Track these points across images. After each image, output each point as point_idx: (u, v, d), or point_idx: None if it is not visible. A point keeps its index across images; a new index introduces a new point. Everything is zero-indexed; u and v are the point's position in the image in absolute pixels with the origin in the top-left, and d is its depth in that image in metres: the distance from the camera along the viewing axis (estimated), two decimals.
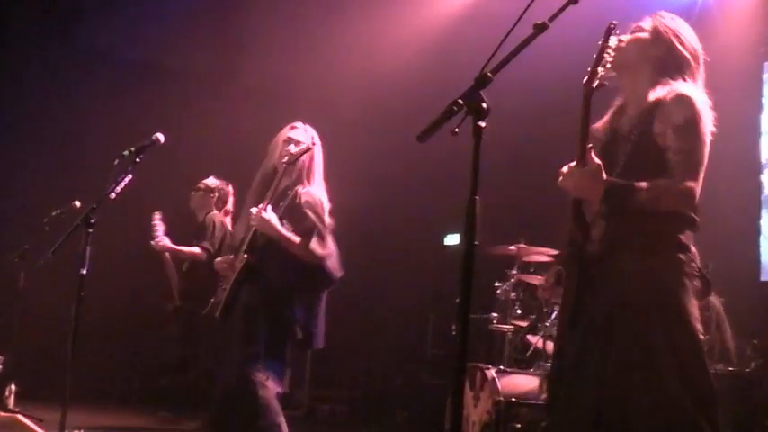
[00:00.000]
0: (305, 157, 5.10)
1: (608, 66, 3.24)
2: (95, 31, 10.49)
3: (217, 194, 8.05)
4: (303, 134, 5.21)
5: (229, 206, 8.14)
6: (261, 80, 10.65)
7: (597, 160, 3.18)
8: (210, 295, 6.64)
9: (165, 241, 7.76)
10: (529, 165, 9.52)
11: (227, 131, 10.13)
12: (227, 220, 8.02)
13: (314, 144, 5.11)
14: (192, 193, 8.10)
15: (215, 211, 8.01)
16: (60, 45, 10.30)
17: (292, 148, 5.09)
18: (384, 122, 9.98)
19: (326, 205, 5.13)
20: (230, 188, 8.13)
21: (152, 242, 7.73)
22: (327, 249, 5.01)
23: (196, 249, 7.73)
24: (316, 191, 5.16)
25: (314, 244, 4.95)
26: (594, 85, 3.23)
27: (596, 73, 3.23)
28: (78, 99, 10.04)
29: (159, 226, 7.83)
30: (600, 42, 3.25)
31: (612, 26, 3.28)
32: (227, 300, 5.07)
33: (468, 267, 2.44)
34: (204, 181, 8.09)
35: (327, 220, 5.10)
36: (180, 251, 7.78)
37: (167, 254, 7.91)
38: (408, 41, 9.77)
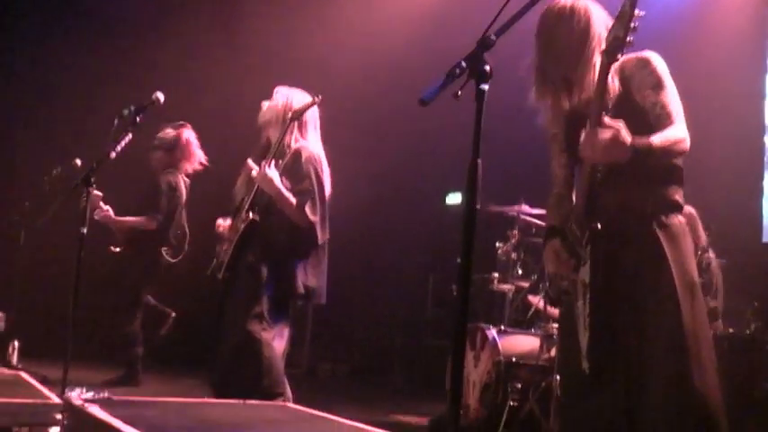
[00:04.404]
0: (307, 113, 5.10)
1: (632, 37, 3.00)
2: None
3: (178, 149, 7.67)
4: (300, 95, 5.18)
5: (195, 151, 7.70)
6: (259, 43, 10.55)
7: (616, 122, 3.11)
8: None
9: (109, 211, 7.38)
10: (530, 125, 9.46)
11: (226, 93, 10.08)
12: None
13: (319, 98, 5.07)
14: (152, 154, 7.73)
15: (172, 170, 7.67)
16: (59, 4, 10.22)
17: (295, 105, 5.08)
18: (386, 83, 9.91)
19: (325, 162, 5.13)
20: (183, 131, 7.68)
21: (95, 215, 7.20)
22: (318, 215, 5.00)
23: (141, 219, 7.46)
24: (314, 147, 5.15)
25: (308, 208, 4.96)
26: (620, 56, 3.06)
27: (626, 43, 2.99)
28: (79, 58, 9.98)
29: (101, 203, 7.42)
30: (627, 8, 2.94)
31: None
32: (229, 260, 5.06)
33: (469, 232, 2.41)
34: (159, 135, 7.67)
35: (326, 179, 5.09)
36: (123, 222, 7.47)
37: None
38: (410, 4, 9.71)
